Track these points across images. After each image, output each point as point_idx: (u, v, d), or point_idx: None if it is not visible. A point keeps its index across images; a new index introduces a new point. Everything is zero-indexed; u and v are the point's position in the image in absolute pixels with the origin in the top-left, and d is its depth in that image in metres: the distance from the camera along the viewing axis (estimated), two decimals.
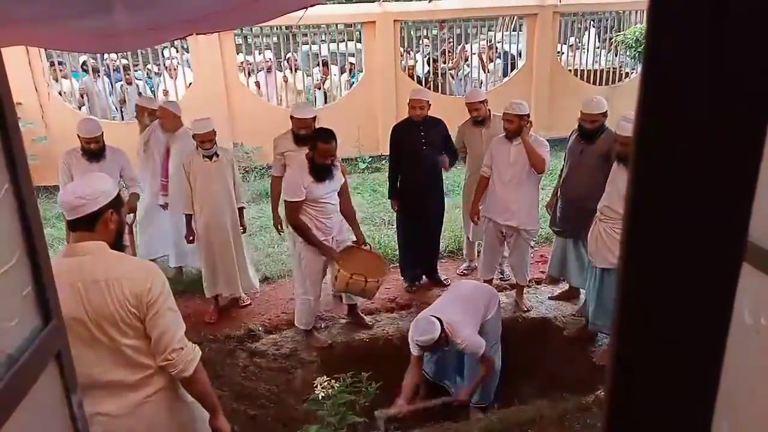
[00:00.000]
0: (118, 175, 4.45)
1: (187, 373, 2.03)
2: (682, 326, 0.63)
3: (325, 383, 2.66)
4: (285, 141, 4.44)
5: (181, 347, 2.01)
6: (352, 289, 3.92)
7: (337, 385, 2.68)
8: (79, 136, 4.36)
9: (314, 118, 4.38)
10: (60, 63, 8.21)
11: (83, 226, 1.96)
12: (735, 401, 0.79)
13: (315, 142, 3.87)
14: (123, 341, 1.95)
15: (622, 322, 0.65)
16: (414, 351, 3.51)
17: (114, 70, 8.43)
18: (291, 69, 8.78)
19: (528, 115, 4.26)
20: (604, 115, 4.15)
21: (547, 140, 4.41)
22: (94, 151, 4.37)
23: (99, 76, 8.14)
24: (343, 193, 4.16)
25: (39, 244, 1.02)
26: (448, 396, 3.86)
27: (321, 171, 3.89)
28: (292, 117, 4.38)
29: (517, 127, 4.20)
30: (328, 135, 3.87)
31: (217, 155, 4.36)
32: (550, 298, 4.79)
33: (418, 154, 4.62)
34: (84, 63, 8.07)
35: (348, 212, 4.23)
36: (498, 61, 9.65)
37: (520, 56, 9.53)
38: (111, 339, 1.94)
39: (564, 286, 4.81)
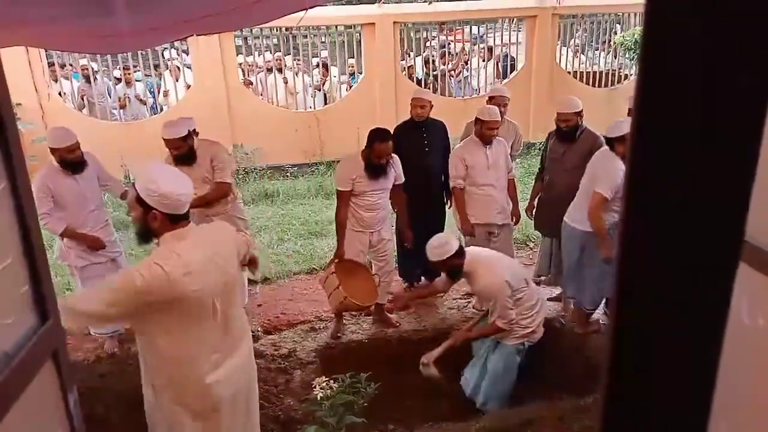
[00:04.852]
0: (97, 183, 4.01)
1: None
2: (680, 326, 0.63)
3: (324, 384, 2.65)
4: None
5: None
6: (333, 298, 3.92)
7: (336, 385, 2.67)
8: (53, 150, 3.72)
9: (186, 136, 3.95)
10: (61, 65, 8.19)
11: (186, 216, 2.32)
12: (732, 402, 0.79)
13: (371, 142, 3.91)
14: None
15: (619, 323, 0.65)
16: None
17: (100, 69, 8.38)
18: (296, 72, 8.78)
19: None
20: (578, 114, 4.17)
21: None
22: (74, 161, 3.77)
23: (96, 80, 8.10)
24: (399, 190, 4.24)
25: (36, 243, 1.02)
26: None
27: (375, 170, 3.96)
28: (163, 138, 3.97)
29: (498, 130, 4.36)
30: (384, 135, 3.91)
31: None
32: (549, 300, 4.78)
33: (420, 156, 4.61)
34: (84, 67, 8.04)
35: (399, 209, 4.31)
36: (497, 62, 9.66)
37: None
38: None
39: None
